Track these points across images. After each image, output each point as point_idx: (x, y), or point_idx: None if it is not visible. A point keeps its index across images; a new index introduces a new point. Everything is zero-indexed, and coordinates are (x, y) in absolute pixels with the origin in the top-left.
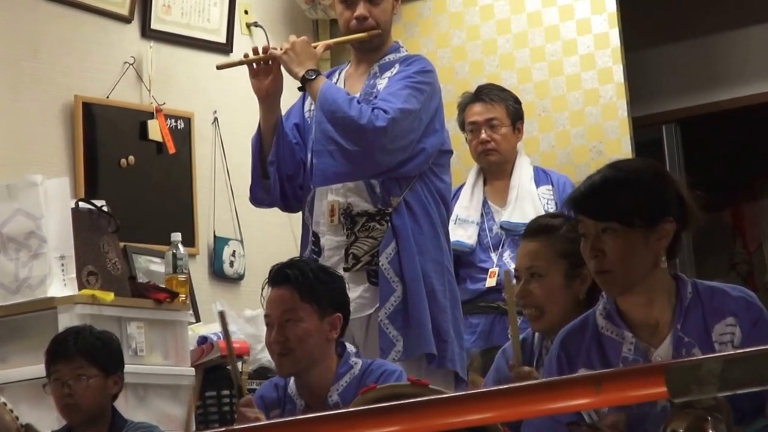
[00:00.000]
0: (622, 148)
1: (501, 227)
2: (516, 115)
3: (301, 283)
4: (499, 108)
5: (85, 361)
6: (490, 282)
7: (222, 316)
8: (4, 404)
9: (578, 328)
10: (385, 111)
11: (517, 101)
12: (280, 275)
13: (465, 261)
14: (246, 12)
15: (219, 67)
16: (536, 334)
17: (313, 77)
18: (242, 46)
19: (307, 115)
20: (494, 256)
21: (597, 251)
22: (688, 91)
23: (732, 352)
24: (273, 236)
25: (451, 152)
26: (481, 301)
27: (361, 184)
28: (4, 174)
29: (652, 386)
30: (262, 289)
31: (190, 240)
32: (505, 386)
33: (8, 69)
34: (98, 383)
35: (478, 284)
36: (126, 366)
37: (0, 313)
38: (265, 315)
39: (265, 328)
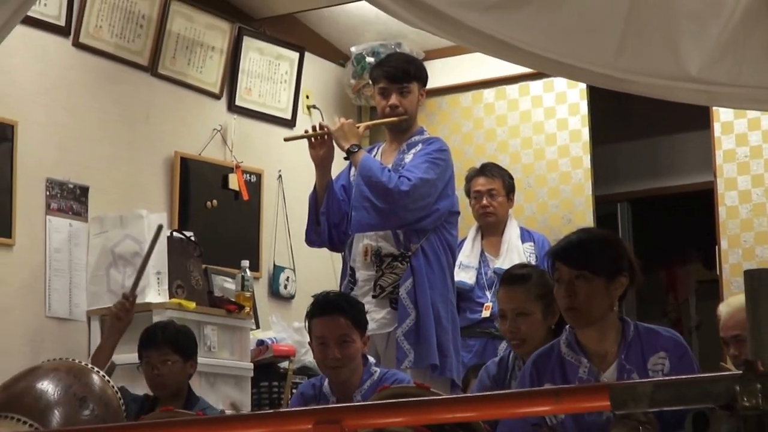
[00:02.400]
0: (586, 219)
1: (494, 272)
2: (510, 188)
3: (351, 314)
4: (497, 182)
5: (169, 349)
6: (485, 313)
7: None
8: (108, 381)
9: (546, 352)
10: (408, 179)
11: (511, 177)
12: (333, 306)
13: (466, 296)
14: (307, 96)
15: (286, 140)
16: (511, 354)
17: (356, 150)
18: (302, 122)
19: (351, 178)
20: (488, 294)
21: (570, 293)
22: (639, 178)
23: (661, 378)
24: (317, 268)
25: (458, 213)
26: (477, 328)
27: (388, 233)
28: (119, 207)
29: (599, 400)
30: (306, 315)
31: (255, 266)
32: (486, 393)
33: (126, 129)
34: (179, 366)
35: (475, 314)
36: (201, 358)
37: (110, 313)
38: (318, 336)
39: (308, 338)
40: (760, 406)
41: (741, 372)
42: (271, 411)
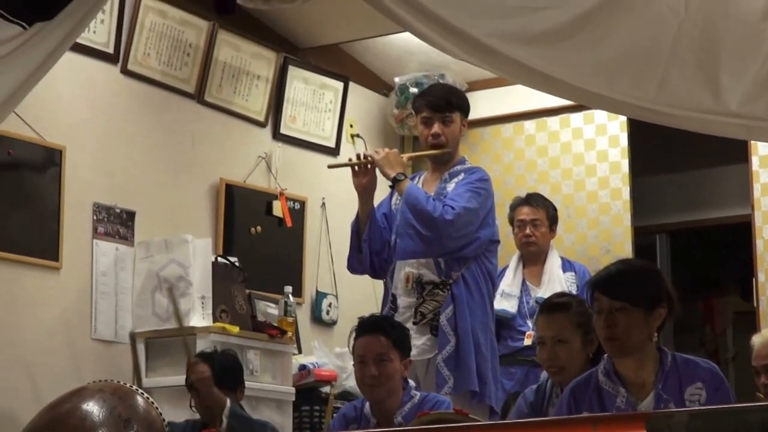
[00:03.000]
0: (625, 249)
1: (536, 301)
2: (553, 219)
3: (392, 334)
4: (541, 212)
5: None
6: (527, 341)
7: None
8: (152, 402)
9: (584, 381)
10: (452, 208)
11: (555, 209)
12: (375, 326)
13: (507, 324)
14: (351, 125)
15: (330, 167)
16: (548, 381)
17: (402, 179)
18: (346, 150)
19: (393, 206)
20: (530, 322)
21: (610, 323)
22: (678, 210)
23: (697, 408)
24: (359, 294)
25: (498, 242)
26: (519, 356)
27: (430, 261)
28: (165, 232)
29: (635, 429)
30: (350, 334)
31: (298, 292)
32: (525, 420)
33: (173, 156)
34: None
35: (517, 342)
36: (247, 382)
37: (155, 336)
38: (359, 354)
39: (349, 363)
40: None
41: None
42: None
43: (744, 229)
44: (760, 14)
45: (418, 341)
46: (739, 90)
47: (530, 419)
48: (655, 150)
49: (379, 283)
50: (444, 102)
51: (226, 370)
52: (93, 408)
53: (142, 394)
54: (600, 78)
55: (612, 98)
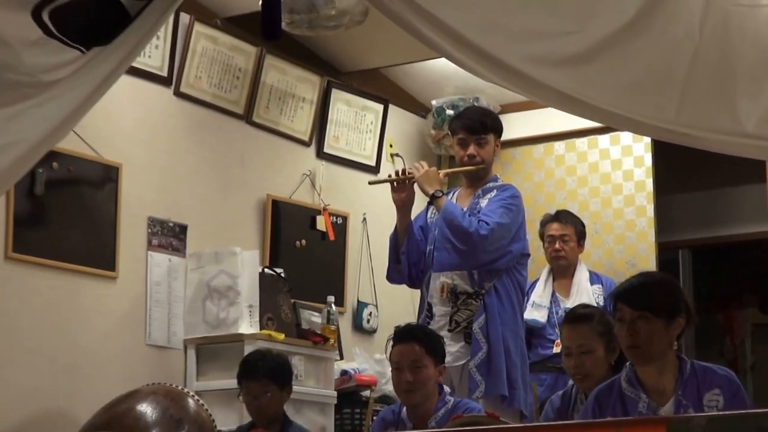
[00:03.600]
0: (649, 264)
1: (564, 311)
2: (581, 234)
3: (426, 342)
4: (570, 228)
5: (268, 380)
6: (556, 350)
7: None
8: (202, 404)
9: (607, 388)
10: (486, 223)
11: (583, 225)
12: (410, 334)
13: (538, 333)
14: (390, 145)
15: (371, 183)
16: (574, 388)
17: (440, 195)
18: (386, 168)
19: (429, 220)
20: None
21: (633, 332)
22: (698, 227)
23: (715, 413)
24: (398, 303)
25: (528, 255)
26: (548, 363)
27: (464, 272)
28: (215, 245)
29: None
30: (387, 342)
31: (340, 301)
32: (553, 422)
33: (222, 172)
34: (276, 395)
35: (546, 350)
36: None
37: (205, 342)
38: (395, 362)
39: (388, 369)
40: None
41: None
42: None
43: (762, 245)
44: None
45: (453, 348)
46: (756, 112)
47: (558, 422)
48: (678, 169)
49: (416, 293)
50: (479, 124)
51: (280, 366)
52: (147, 409)
53: (193, 396)
54: (622, 100)
55: (634, 119)
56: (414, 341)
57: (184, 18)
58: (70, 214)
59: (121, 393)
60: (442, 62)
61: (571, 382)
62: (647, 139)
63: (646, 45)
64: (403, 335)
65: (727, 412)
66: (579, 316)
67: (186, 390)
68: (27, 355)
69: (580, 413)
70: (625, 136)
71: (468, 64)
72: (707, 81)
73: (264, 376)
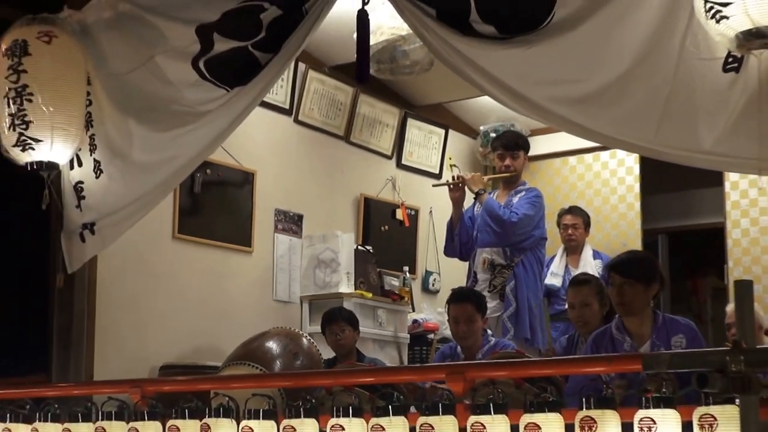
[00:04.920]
0: (636, 245)
1: None
2: (587, 223)
3: (475, 301)
4: (579, 219)
5: (345, 323)
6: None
7: None
8: (312, 342)
9: (602, 333)
10: (516, 214)
11: (588, 216)
12: (464, 296)
13: (554, 294)
14: (450, 159)
15: (434, 186)
16: (576, 333)
17: (483, 193)
18: (446, 175)
19: (475, 212)
20: None
21: (620, 293)
22: (673, 218)
23: (678, 350)
24: (453, 272)
25: (546, 239)
26: (562, 315)
27: (500, 249)
28: (323, 229)
29: (635, 364)
30: (447, 301)
31: (412, 270)
32: (562, 357)
33: (328, 177)
34: (351, 334)
35: (561, 306)
36: (374, 330)
37: (314, 298)
38: (453, 316)
39: (446, 319)
40: (742, 370)
41: (730, 348)
42: (420, 365)
43: (719, 231)
44: (726, 86)
45: (491, 304)
46: (711, 135)
47: (566, 356)
48: (658, 176)
49: (465, 264)
50: (513, 143)
51: (351, 314)
52: (273, 345)
53: (306, 336)
54: (616, 128)
55: (625, 141)
56: (467, 301)
57: (301, 66)
58: (219, 206)
59: (254, 334)
60: (487, 99)
61: (572, 333)
62: (636, 155)
63: (634, 89)
64: (459, 297)
65: (686, 350)
66: (581, 280)
67: (301, 332)
68: (189, 307)
69: (581, 351)
70: (620, 153)
71: (505, 101)
72: (677, 114)
73: (342, 320)
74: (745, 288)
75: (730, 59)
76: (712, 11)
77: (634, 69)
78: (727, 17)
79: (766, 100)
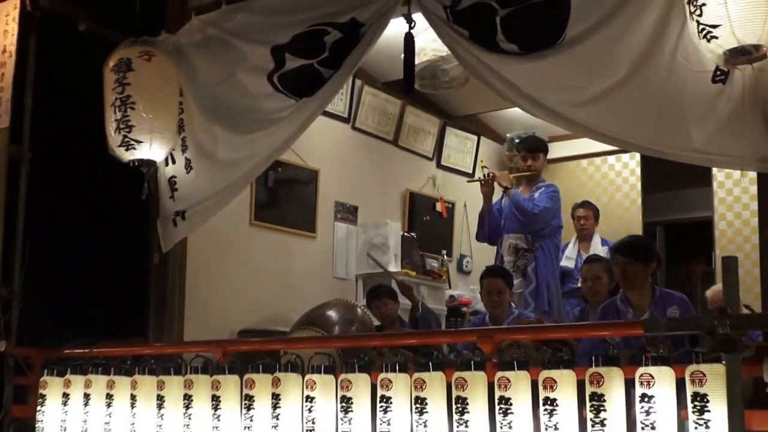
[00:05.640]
0: None
1: (585, 261)
2: (597, 216)
3: (505, 277)
4: (590, 211)
5: (387, 297)
6: (579, 284)
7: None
8: (366, 312)
9: (608, 304)
10: (538, 206)
11: (598, 210)
12: (496, 272)
13: (569, 274)
14: (481, 161)
15: (468, 182)
16: (587, 306)
17: (510, 188)
18: (477, 174)
19: (502, 204)
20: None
21: (623, 271)
22: (668, 213)
23: (673, 317)
24: (483, 255)
25: (562, 227)
26: (575, 292)
27: (523, 235)
28: (374, 219)
29: (638, 329)
30: (481, 276)
31: (449, 253)
32: (574, 323)
33: (379, 175)
34: (393, 305)
35: (573, 284)
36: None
37: (367, 276)
38: (486, 288)
39: (478, 294)
40: (728, 333)
41: (718, 314)
42: (456, 329)
43: (707, 224)
44: (714, 95)
45: (515, 282)
46: (701, 136)
47: (578, 323)
48: (657, 177)
49: (493, 249)
50: (534, 146)
51: (392, 289)
52: (332, 313)
53: (360, 307)
54: (617, 129)
55: (625, 140)
56: (498, 276)
57: (358, 82)
58: (288, 198)
59: (317, 304)
60: (513, 111)
61: (583, 306)
62: (638, 158)
63: (631, 95)
64: (491, 272)
65: (681, 317)
66: (593, 258)
67: (356, 303)
68: (263, 282)
69: (590, 320)
70: (625, 157)
71: (525, 106)
72: (671, 117)
73: (383, 295)
74: (731, 263)
75: (718, 72)
76: (704, 32)
77: (630, 78)
78: (716, 37)
79: (749, 108)
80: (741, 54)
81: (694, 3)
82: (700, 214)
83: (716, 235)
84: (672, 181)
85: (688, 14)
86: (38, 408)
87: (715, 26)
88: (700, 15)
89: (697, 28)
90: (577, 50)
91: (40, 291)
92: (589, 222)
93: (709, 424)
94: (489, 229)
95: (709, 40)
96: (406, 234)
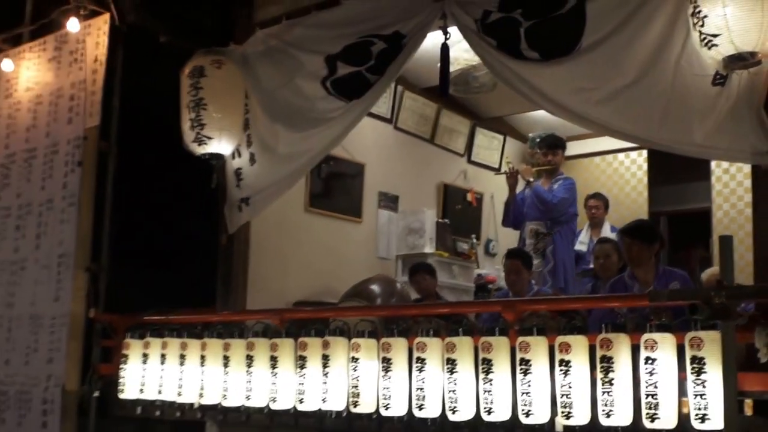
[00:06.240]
0: None
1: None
2: (607, 206)
3: (523, 259)
4: (601, 202)
5: (425, 273)
6: (591, 265)
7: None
8: (404, 287)
9: (617, 280)
10: (556, 196)
11: (607, 201)
12: (516, 254)
13: (581, 257)
14: (507, 157)
15: (496, 174)
16: (598, 283)
17: (532, 181)
18: (503, 168)
19: (525, 194)
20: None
21: (630, 250)
22: (671, 204)
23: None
24: (507, 239)
25: (577, 215)
26: (588, 273)
27: (542, 222)
28: (412, 207)
29: (643, 300)
30: (503, 258)
31: (478, 237)
32: (586, 295)
33: (417, 169)
34: (431, 280)
35: (586, 265)
36: (449, 280)
37: (406, 256)
38: (507, 269)
39: (502, 274)
40: (724, 302)
41: (715, 285)
42: (483, 300)
43: (705, 214)
44: (714, 96)
45: (535, 262)
46: (702, 131)
47: (589, 295)
48: (661, 172)
49: (517, 233)
50: (553, 143)
51: (429, 264)
52: (375, 287)
53: (400, 282)
54: (628, 125)
55: (634, 135)
56: (517, 258)
57: (399, 87)
58: (338, 188)
59: (361, 279)
60: (535, 114)
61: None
62: (644, 155)
63: (640, 96)
64: (511, 254)
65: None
66: (604, 240)
67: (396, 279)
68: (315, 260)
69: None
70: (633, 154)
71: (546, 106)
72: (675, 115)
73: (423, 270)
74: (727, 241)
75: (718, 76)
76: (705, 40)
77: (639, 81)
78: (716, 45)
79: (744, 107)
80: (738, 60)
81: (697, 15)
82: (700, 205)
83: (714, 224)
84: (675, 175)
85: (691, 25)
86: (121, 366)
87: (715, 35)
88: (702, 26)
89: (700, 37)
90: (592, 57)
91: (124, 266)
92: (600, 211)
93: (705, 384)
94: (513, 216)
95: (710, 48)
96: (440, 220)
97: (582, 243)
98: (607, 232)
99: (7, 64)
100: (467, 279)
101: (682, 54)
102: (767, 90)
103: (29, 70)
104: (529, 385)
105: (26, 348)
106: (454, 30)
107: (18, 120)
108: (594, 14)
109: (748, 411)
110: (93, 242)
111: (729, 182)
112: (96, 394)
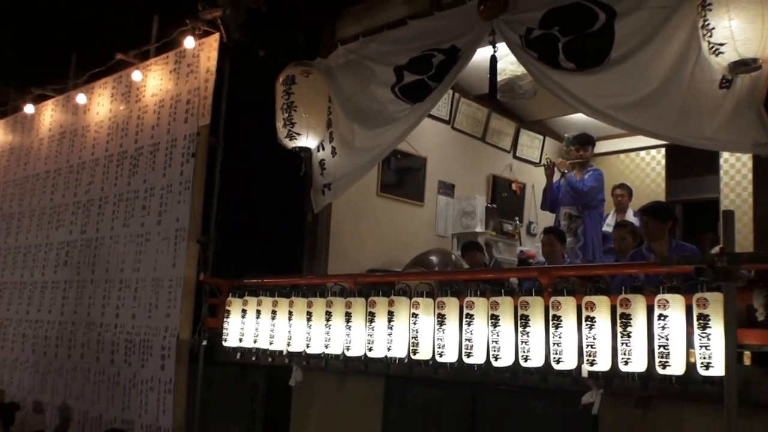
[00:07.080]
0: None
1: None
2: (630, 194)
3: (558, 235)
4: (626, 191)
5: (476, 249)
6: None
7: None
8: (456, 258)
9: (636, 252)
10: (586, 185)
11: (631, 190)
12: (550, 230)
13: (608, 237)
14: (546, 153)
15: (536, 166)
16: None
17: (566, 172)
18: (543, 162)
19: (561, 183)
20: None
21: (647, 227)
22: (686, 194)
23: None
24: (545, 221)
25: (604, 201)
26: (612, 250)
27: (575, 206)
28: (467, 193)
29: (657, 267)
30: (542, 234)
31: (521, 220)
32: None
33: (471, 163)
34: (480, 255)
35: (611, 245)
36: (498, 256)
37: (461, 235)
38: (544, 243)
39: (540, 247)
40: (726, 266)
41: (718, 252)
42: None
43: (715, 203)
44: (721, 97)
45: (568, 240)
46: (711, 127)
47: (613, 263)
48: (677, 167)
49: (553, 216)
50: (585, 141)
51: (477, 242)
52: (433, 258)
53: (453, 254)
54: (650, 124)
55: (654, 132)
56: (551, 234)
57: (456, 94)
58: (406, 177)
59: (421, 252)
60: (570, 117)
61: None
62: (663, 152)
63: (660, 100)
64: (548, 231)
65: (690, 254)
66: (621, 224)
67: (451, 251)
68: (385, 236)
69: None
70: (653, 151)
71: (581, 109)
72: (688, 114)
73: (474, 248)
74: (729, 215)
75: (724, 80)
76: (713, 48)
77: (660, 88)
78: (723, 52)
79: (747, 106)
80: (742, 65)
81: (706, 27)
82: (710, 195)
83: (722, 211)
84: (689, 169)
85: (701, 36)
86: (224, 320)
87: (722, 44)
88: (711, 36)
89: (708, 46)
90: (620, 68)
91: (228, 239)
92: (625, 199)
93: (710, 338)
94: (550, 201)
95: (717, 55)
96: (489, 205)
97: (609, 225)
98: (630, 216)
99: (137, 75)
100: (511, 254)
101: (696, 63)
102: (767, 90)
103: (154, 80)
104: (560, 337)
105: (149, 305)
106: (501, 45)
107: (145, 120)
108: (622, 31)
109: (747, 361)
110: (203, 219)
111: (735, 175)
112: (204, 342)
